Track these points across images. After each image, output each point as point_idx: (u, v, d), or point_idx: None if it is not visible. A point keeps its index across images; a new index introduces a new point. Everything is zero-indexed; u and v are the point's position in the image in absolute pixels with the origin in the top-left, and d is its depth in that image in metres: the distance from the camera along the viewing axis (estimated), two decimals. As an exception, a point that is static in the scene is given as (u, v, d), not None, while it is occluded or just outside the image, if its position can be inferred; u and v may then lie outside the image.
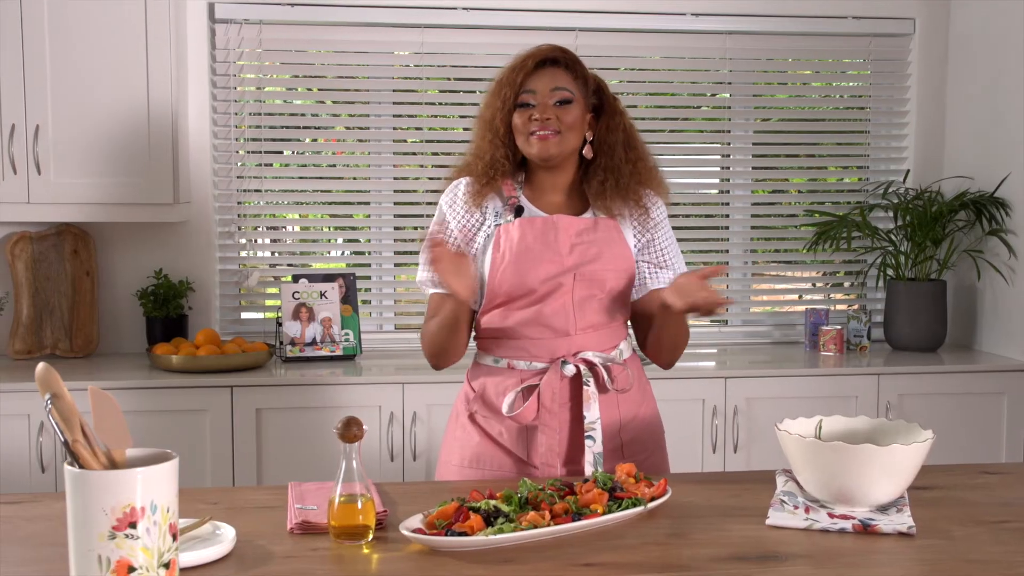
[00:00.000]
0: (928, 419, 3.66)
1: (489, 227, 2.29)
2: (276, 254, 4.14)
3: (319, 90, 4.13)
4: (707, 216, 4.31)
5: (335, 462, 3.34)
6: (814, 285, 4.46)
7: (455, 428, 2.37)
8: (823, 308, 4.08)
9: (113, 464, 1.49)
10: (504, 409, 2.25)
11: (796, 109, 4.32)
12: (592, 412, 2.24)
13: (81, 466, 1.43)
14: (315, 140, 4.14)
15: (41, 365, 1.45)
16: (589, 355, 2.26)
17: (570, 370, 2.25)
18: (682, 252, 4.11)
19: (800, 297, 4.42)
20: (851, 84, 4.38)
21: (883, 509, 1.85)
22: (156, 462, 1.48)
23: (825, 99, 4.38)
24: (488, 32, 4.03)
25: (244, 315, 4.04)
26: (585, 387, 2.24)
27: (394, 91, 4.08)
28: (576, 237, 2.25)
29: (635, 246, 2.32)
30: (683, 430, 3.61)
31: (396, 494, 2.01)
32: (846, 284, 4.35)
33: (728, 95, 4.23)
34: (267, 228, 4.13)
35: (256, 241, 4.12)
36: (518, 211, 2.28)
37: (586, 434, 2.23)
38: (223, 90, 3.94)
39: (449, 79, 4.10)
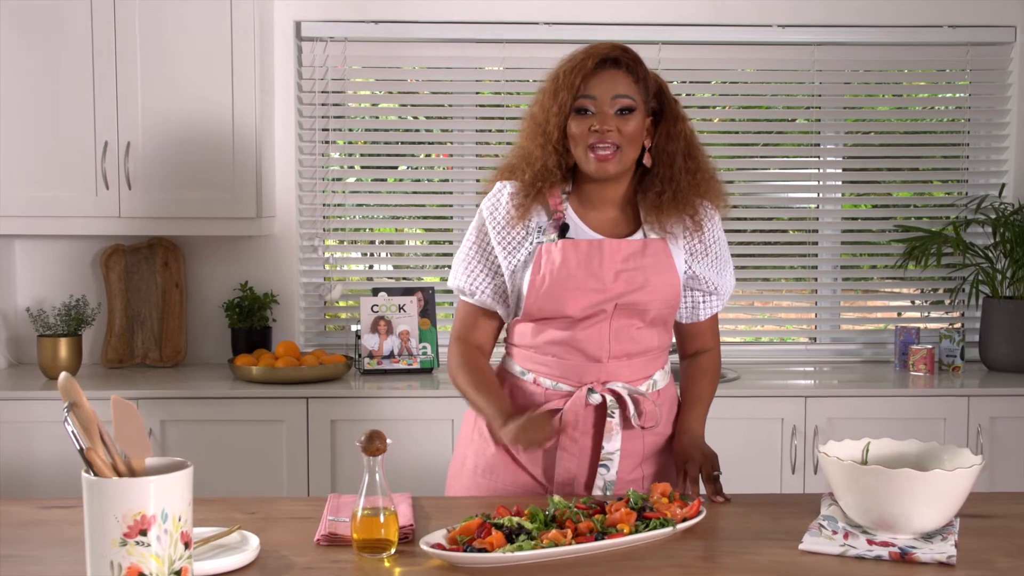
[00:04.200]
0: (1021, 444, 3.52)
1: (531, 243, 2.18)
2: (368, 267, 4.23)
3: (409, 106, 4.19)
4: (802, 231, 4.21)
5: (407, 475, 3.40)
6: (913, 303, 4.32)
7: (471, 431, 2.29)
8: (913, 327, 3.95)
9: (132, 472, 1.52)
10: None
11: (889, 122, 4.20)
12: (612, 444, 2.15)
13: (96, 474, 1.47)
14: (427, 156, 4.20)
15: (63, 375, 1.50)
16: (618, 386, 2.16)
17: (595, 399, 2.15)
18: (774, 267, 4.15)
19: (899, 315, 4.28)
20: (948, 95, 4.24)
21: (928, 537, 1.78)
22: (174, 472, 1.50)
23: (920, 111, 4.25)
24: (570, 47, 3.97)
25: (354, 327, 4.11)
26: (609, 418, 2.15)
27: (477, 106, 4.11)
28: (622, 263, 2.14)
29: (684, 272, 2.22)
30: (761, 450, 3.54)
31: (432, 508, 2.01)
32: (947, 302, 4.18)
33: (819, 107, 4.14)
34: (351, 242, 4.20)
35: (340, 254, 4.20)
36: (563, 229, 2.17)
37: (601, 462, 2.16)
38: (308, 106, 4.03)
39: (532, 95, 4.10)
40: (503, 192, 2.22)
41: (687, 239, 2.22)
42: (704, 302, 2.28)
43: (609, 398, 2.16)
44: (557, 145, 2.15)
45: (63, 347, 3.64)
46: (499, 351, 2.35)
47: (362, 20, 3.99)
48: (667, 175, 2.18)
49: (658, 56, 4.02)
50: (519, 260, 2.19)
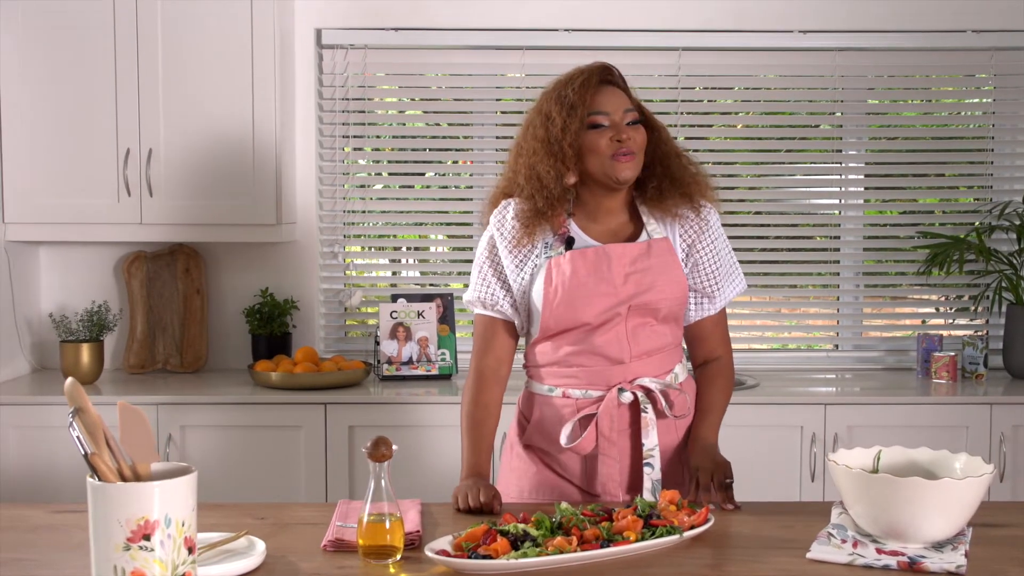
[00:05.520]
0: (1045, 452, 3.49)
1: (539, 258, 2.23)
2: (393, 273, 4.27)
3: (431, 113, 4.20)
4: (825, 238, 4.19)
5: (424, 480, 3.40)
6: (937, 310, 4.28)
7: (511, 458, 2.35)
8: (936, 334, 3.91)
9: (138, 478, 1.53)
10: (563, 441, 2.19)
11: (912, 127, 4.17)
12: (651, 439, 2.19)
13: (100, 478, 1.48)
14: (454, 163, 4.21)
15: (69, 380, 1.51)
16: (646, 381, 2.21)
17: (627, 397, 2.20)
18: (796, 274, 4.13)
19: (924, 322, 4.24)
20: (972, 101, 4.20)
21: (938, 546, 1.76)
22: (177, 477, 1.51)
23: (943, 116, 4.21)
24: (590, 54, 3.95)
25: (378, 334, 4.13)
26: (643, 414, 2.19)
27: (497, 113, 4.11)
28: (630, 266, 2.19)
29: (685, 265, 2.26)
30: (780, 458, 3.52)
31: (441, 514, 2.02)
32: (972, 308, 4.13)
33: (840, 113, 4.11)
34: (378, 248, 4.23)
35: (363, 260, 4.22)
36: (569, 242, 2.22)
37: (644, 461, 2.19)
38: (329, 113, 4.05)
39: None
40: (508, 209, 2.27)
41: (685, 232, 2.25)
42: (696, 303, 2.30)
43: (640, 394, 2.20)
44: (569, 163, 2.18)
45: (85, 353, 3.67)
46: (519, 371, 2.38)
47: (382, 28, 4.01)
48: (664, 172, 2.25)
49: (678, 62, 4.01)
50: (526, 275, 2.24)
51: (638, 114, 2.21)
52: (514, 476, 2.33)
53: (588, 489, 2.26)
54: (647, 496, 2.17)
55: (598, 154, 2.17)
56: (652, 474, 2.19)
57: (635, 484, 2.24)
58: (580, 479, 2.26)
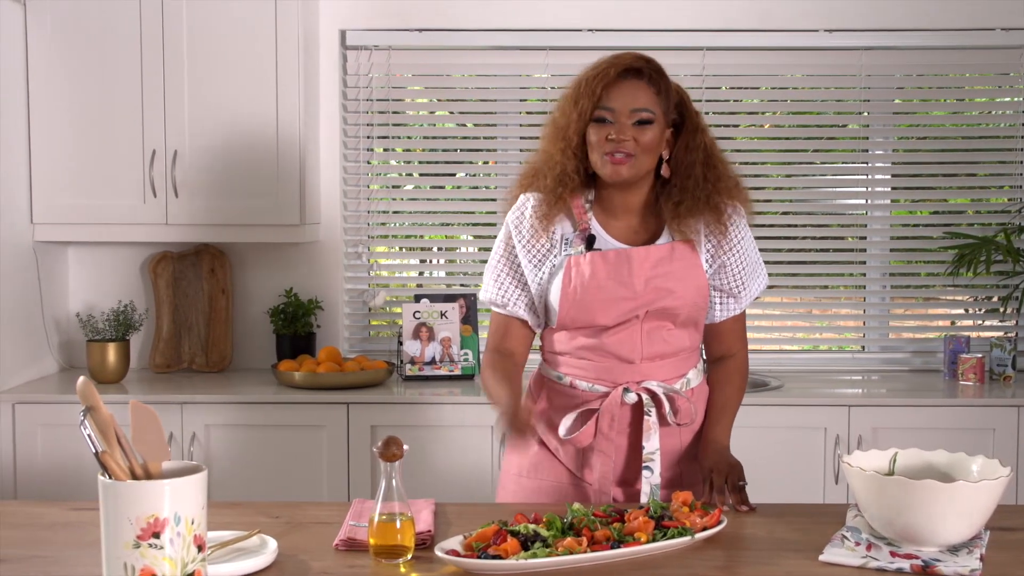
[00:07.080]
0: (1074, 455, 3.44)
1: (557, 257, 2.21)
2: (420, 273, 4.30)
3: (456, 113, 4.21)
4: (854, 238, 4.15)
5: (446, 480, 3.41)
6: (967, 311, 4.23)
7: None
8: (963, 335, 3.87)
9: (149, 476, 1.55)
10: (561, 432, 2.20)
11: (940, 127, 4.13)
12: (651, 443, 2.18)
13: (111, 477, 1.49)
14: (484, 163, 4.22)
15: (81, 379, 1.52)
16: (652, 385, 2.19)
17: (632, 398, 2.19)
18: (821, 275, 4.10)
19: (953, 323, 4.20)
20: (1002, 100, 4.15)
21: (953, 550, 1.74)
22: (187, 475, 1.52)
23: (972, 116, 4.17)
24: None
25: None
26: (646, 417, 2.18)
27: (520, 113, 4.12)
28: (651, 270, 2.16)
29: (707, 272, 2.23)
30: (803, 460, 3.50)
31: (453, 514, 2.02)
32: (1001, 310, 4.08)
33: (867, 113, 4.08)
34: (408, 248, 4.24)
35: (381, 261, 4.23)
36: (589, 241, 2.20)
37: (644, 464, 2.18)
38: (353, 114, 4.07)
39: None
40: (527, 205, 2.25)
41: (709, 240, 2.22)
42: (721, 303, 2.28)
43: (645, 396, 2.18)
44: (576, 150, 2.18)
45: (111, 352, 3.71)
46: (535, 358, 2.38)
47: (407, 28, 4.02)
48: (684, 185, 2.20)
49: (702, 62, 3.99)
50: (545, 273, 2.22)
51: (650, 114, 2.13)
52: (515, 454, 2.33)
53: (579, 475, 2.25)
54: (644, 500, 2.16)
55: (595, 149, 2.16)
56: (651, 478, 2.18)
57: (627, 478, 2.23)
58: (574, 467, 2.26)
